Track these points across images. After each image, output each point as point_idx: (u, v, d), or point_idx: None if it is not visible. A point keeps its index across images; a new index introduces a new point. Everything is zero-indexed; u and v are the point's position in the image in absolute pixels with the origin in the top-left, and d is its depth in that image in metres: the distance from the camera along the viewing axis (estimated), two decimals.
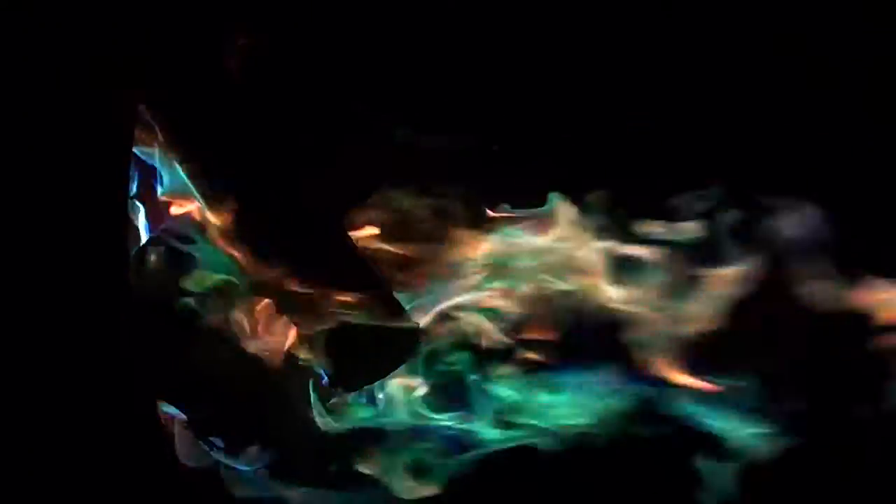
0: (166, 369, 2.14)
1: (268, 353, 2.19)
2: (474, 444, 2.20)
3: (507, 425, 2.20)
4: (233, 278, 2.17)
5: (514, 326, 2.23)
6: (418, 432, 2.20)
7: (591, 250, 2.22)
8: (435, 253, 2.25)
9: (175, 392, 2.16)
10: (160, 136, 2.14)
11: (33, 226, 1.97)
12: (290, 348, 2.18)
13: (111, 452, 2.00)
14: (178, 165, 2.15)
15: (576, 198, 2.24)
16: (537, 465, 2.19)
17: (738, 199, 2.20)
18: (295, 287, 2.14)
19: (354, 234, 2.23)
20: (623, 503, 2.21)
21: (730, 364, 2.17)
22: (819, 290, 2.18)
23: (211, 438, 2.17)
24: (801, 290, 2.18)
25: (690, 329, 2.19)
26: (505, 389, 2.21)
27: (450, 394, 2.22)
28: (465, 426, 2.20)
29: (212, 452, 2.17)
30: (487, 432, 2.20)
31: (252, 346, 2.19)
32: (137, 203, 2.21)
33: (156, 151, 2.16)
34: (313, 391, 2.19)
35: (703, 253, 2.21)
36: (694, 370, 2.18)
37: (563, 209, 2.24)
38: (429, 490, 2.18)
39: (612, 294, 2.21)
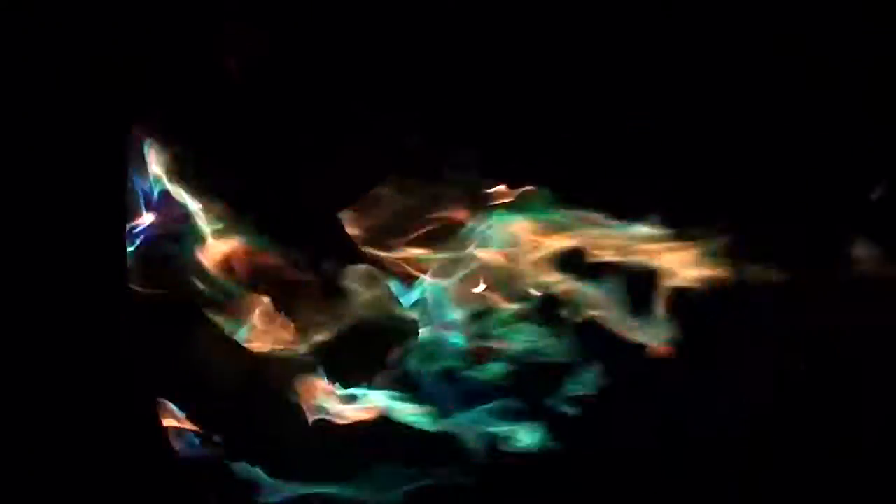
0: (166, 368, 2.14)
1: (267, 351, 2.19)
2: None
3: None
4: (232, 277, 2.17)
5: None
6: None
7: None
8: (431, 246, 2.26)
9: (174, 390, 2.16)
10: (159, 136, 2.14)
11: (33, 225, 1.97)
12: (288, 345, 2.18)
13: (111, 451, 1.99)
14: (177, 165, 2.15)
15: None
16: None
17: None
18: (294, 284, 2.14)
19: (352, 230, 2.24)
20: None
21: None
22: None
23: (210, 436, 2.17)
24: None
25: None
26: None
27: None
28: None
29: (211, 450, 2.17)
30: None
31: (251, 344, 2.19)
32: (136, 202, 2.21)
33: (155, 151, 2.16)
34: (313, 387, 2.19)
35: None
36: None
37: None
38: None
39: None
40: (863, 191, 2.23)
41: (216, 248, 2.17)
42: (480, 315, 2.25)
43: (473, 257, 2.26)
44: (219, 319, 2.18)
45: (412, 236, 2.27)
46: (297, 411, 2.20)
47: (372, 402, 2.22)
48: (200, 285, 2.17)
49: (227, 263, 2.16)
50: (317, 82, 2.22)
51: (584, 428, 2.20)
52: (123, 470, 2.00)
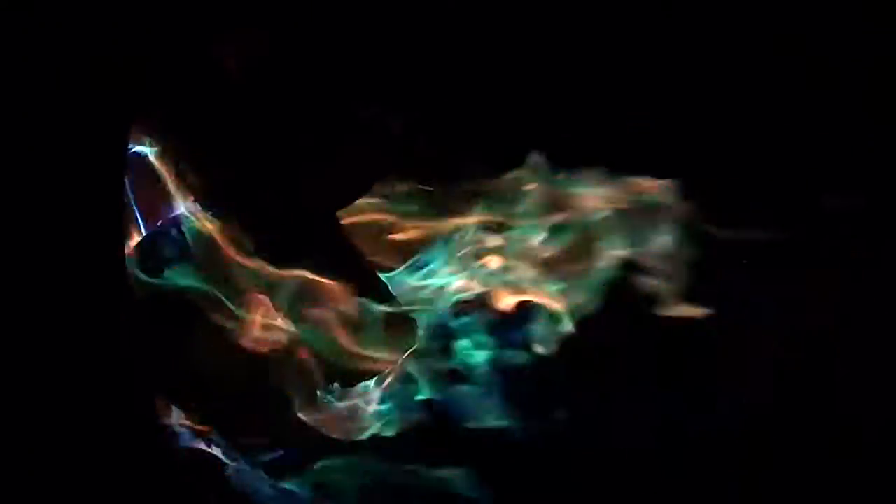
0: (165, 366, 2.14)
1: (266, 349, 2.19)
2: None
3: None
4: (231, 276, 2.17)
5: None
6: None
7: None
8: (431, 245, 2.26)
9: (174, 389, 2.16)
10: (158, 135, 2.14)
11: (33, 225, 1.97)
12: (288, 343, 2.18)
13: (111, 451, 2.00)
14: (176, 164, 2.15)
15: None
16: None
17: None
18: (293, 282, 2.14)
19: (352, 230, 2.24)
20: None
21: None
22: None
23: (210, 435, 2.17)
24: None
25: None
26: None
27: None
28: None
29: (211, 449, 2.17)
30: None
31: (250, 342, 2.19)
32: (136, 202, 2.21)
33: (154, 150, 2.16)
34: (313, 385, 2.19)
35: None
36: None
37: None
38: None
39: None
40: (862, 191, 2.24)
41: (216, 247, 2.17)
42: (480, 314, 2.25)
43: (474, 256, 2.26)
44: (219, 319, 2.18)
45: (412, 236, 2.27)
46: (296, 410, 2.20)
47: (372, 401, 2.22)
48: (200, 285, 2.17)
49: (226, 263, 2.16)
50: (317, 82, 2.22)
51: (584, 428, 2.20)
52: (123, 470, 2.00)
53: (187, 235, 2.18)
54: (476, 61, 2.27)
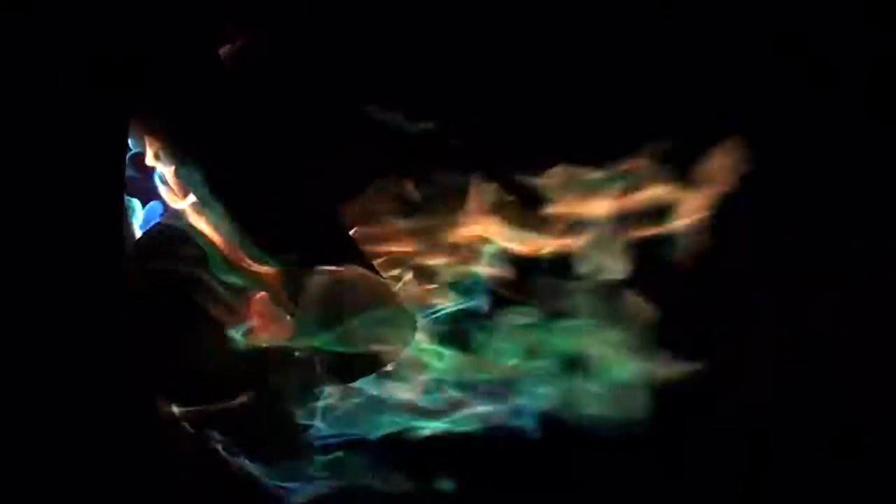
0: (164, 365, 2.14)
1: (266, 349, 2.19)
2: None
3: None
4: (231, 275, 2.17)
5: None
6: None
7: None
8: (431, 245, 2.26)
9: (174, 388, 2.16)
10: (158, 135, 2.14)
11: (32, 224, 1.97)
12: (287, 342, 2.18)
13: (110, 451, 2.00)
14: (175, 164, 2.15)
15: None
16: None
17: None
18: (294, 282, 2.14)
19: (352, 230, 2.24)
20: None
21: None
22: None
23: (210, 434, 2.17)
24: None
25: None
26: None
27: None
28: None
29: (211, 448, 2.17)
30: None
31: (251, 343, 2.19)
32: (135, 201, 2.21)
33: (153, 150, 2.16)
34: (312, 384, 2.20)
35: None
36: None
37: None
38: None
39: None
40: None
41: (215, 246, 2.17)
42: (479, 312, 2.25)
43: (475, 255, 2.26)
44: (218, 318, 2.18)
45: (412, 236, 2.27)
46: (296, 410, 2.20)
47: (371, 399, 2.22)
48: (200, 284, 2.17)
49: (226, 262, 2.16)
50: (316, 81, 2.22)
51: (584, 427, 2.20)
52: (123, 470, 2.00)
53: (187, 234, 2.18)
54: (476, 61, 2.27)
